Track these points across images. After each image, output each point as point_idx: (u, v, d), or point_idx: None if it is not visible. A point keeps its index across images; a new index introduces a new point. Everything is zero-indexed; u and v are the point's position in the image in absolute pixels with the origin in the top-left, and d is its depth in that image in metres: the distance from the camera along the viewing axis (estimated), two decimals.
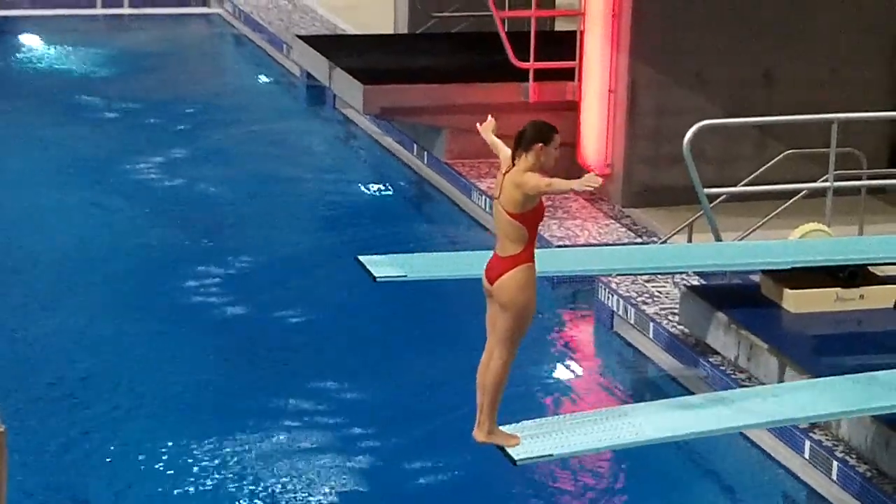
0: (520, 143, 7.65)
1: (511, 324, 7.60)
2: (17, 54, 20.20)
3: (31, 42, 20.78)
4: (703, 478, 9.31)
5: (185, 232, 13.36)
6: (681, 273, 11.14)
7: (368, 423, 9.75)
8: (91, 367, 10.52)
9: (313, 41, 16.65)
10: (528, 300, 7.56)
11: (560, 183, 7.73)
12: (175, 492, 8.87)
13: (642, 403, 8.14)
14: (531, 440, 7.56)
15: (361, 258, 9.42)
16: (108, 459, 9.22)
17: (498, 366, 7.68)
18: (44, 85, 18.37)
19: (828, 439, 8.87)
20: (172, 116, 17.01)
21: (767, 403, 8.02)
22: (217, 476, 9.03)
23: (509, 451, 7.55)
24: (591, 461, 9.36)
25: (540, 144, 7.63)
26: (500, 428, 7.68)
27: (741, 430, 8.56)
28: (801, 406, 7.98)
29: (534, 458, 7.44)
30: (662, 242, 11.90)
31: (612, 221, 12.85)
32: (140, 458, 9.22)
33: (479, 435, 7.75)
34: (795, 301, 9.93)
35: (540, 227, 12.43)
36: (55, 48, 20.35)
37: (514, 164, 7.63)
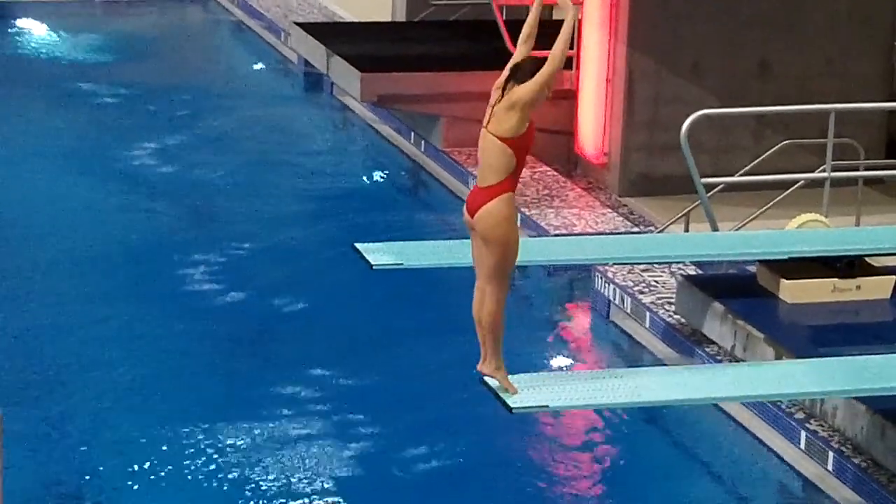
0: (514, 76, 7.55)
1: (496, 259, 7.54)
2: (15, 39, 20.17)
3: (28, 27, 20.74)
4: (698, 467, 9.32)
5: (180, 218, 13.35)
6: (677, 262, 11.14)
7: (363, 410, 9.75)
8: (84, 354, 10.51)
9: (311, 28, 16.62)
10: (510, 232, 7.49)
11: (555, 54, 7.56)
12: (168, 479, 8.87)
13: (642, 368, 8.16)
14: (529, 391, 7.57)
15: (358, 245, 9.41)
16: (100, 447, 9.21)
17: (492, 304, 7.64)
18: (41, 70, 18.34)
19: (823, 430, 8.88)
20: (169, 102, 16.99)
21: (768, 376, 8.03)
22: (210, 464, 9.03)
23: (506, 399, 7.54)
24: (585, 450, 9.37)
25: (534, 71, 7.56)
26: None
27: (740, 401, 8.52)
28: (805, 381, 7.98)
29: (530, 407, 7.47)
30: (659, 232, 11.90)
31: (609, 210, 12.84)
32: (133, 445, 9.21)
33: (485, 368, 7.74)
34: (792, 291, 9.93)
35: (537, 217, 12.47)
36: (52, 33, 20.32)
37: (503, 96, 7.53)
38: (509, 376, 7.78)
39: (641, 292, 10.92)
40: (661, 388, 7.78)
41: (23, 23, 20.88)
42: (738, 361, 9.75)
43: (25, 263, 12.24)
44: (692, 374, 8.20)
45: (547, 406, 7.53)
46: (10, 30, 20.69)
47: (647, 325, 10.65)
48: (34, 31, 20.57)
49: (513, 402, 7.52)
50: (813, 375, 8.13)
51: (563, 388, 7.69)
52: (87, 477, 8.90)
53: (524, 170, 12.53)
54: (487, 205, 7.50)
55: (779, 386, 8.01)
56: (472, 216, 7.58)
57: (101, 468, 8.99)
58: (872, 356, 8.49)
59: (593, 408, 7.81)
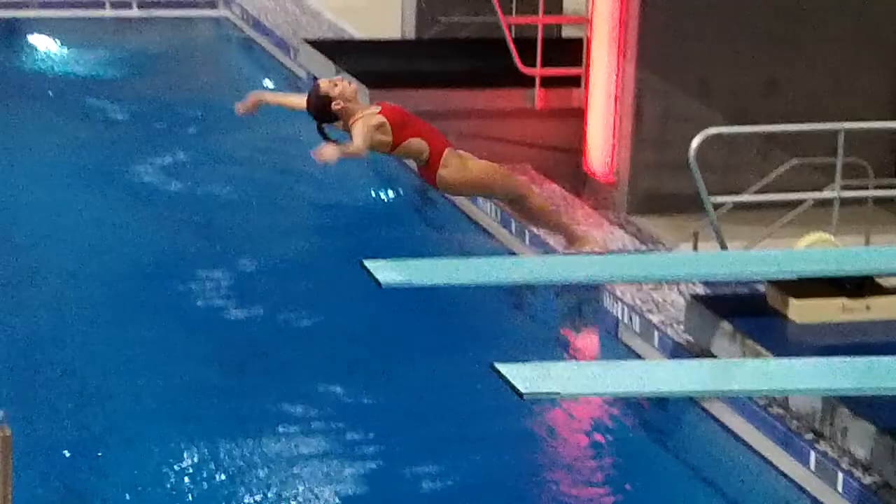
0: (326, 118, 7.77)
1: (488, 187, 7.94)
2: (25, 56, 20.22)
3: (39, 43, 20.80)
4: (705, 488, 9.30)
5: (188, 235, 13.37)
6: (686, 281, 11.12)
7: (371, 427, 9.75)
8: (93, 371, 10.53)
9: (319, 45, 16.66)
10: (467, 172, 7.93)
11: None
12: (173, 496, 8.86)
13: (653, 360, 8.13)
14: (539, 379, 7.51)
15: (366, 263, 9.39)
16: (106, 463, 9.22)
17: (535, 203, 8.03)
18: (51, 86, 18.38)
19: (833, 450, 8.86)
20: (178, 119, 17.02)
21: (782, 370, 7.96)
22: (216, 480, 9.03)
23: (517, 385, 7.43)
24: (592, 469, 9.35)
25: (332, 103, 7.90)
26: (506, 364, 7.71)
27: (751, 395, 8.43)
28: (818, 378, 7.91)
29: (541, 393, 7.40)
30: (668, 250, 11.89)
31: (617, 229, 12.84)
32: (139, 461, 9.22)
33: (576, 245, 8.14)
34: (801, 311, 9.92)
35: (544, 235, 12.46)
36: (63, 50, 20.37)
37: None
38: (519, 364, 7.73)
39: (650, 311, 10.90)
40: (672, 379, 7.73)
41: (34, 38, 20.93)
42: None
43: (33, 275, 12.26)
44: (708, 367, 8.07)
45: (558, 393, 7.49)
46: (21, 45, 20.74)
47: (656, 345, 10.64)
48: (45, 46, 20.63)
49: (524, 387, 7.34)
50: (829, 373, 8.03)
51: (574, 376, 7.65)
52: (91, 491, 8.91)
53: (534, 187, 12.53)
54: (438, 174, 7.91)
55: (798, 380, 7.88)
56: (437, 187, 7.99)
57: (106, 483, 9.00)
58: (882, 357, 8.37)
59: (605, 395, 7.74)
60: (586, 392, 8.23)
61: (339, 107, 7.90)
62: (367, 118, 7.94)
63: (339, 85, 7.96)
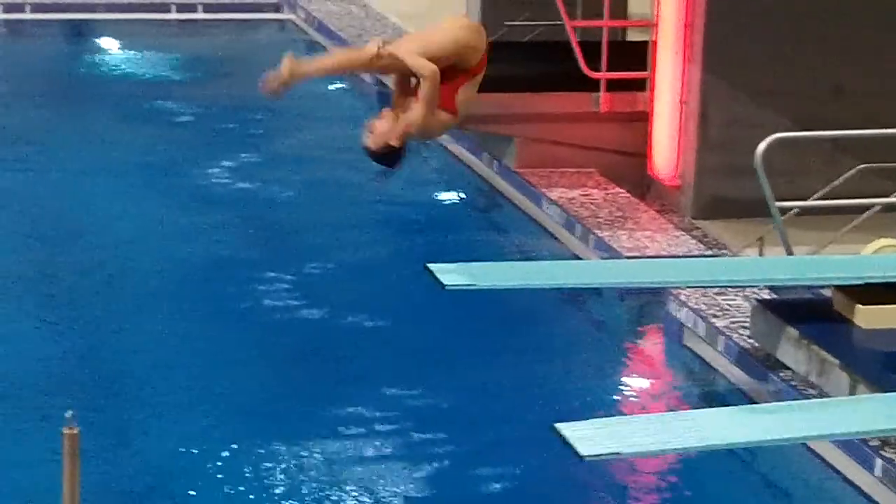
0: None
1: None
2: (93, 58, 20.40)
3: (106, 46, 20.98)
4: (767, 493, 9.26)
5: (252, 236, 13.43)
6: (751, 287, 11.07)
7: (434, 429, 9.76)
8: (157, 371, 10.58)
9: None
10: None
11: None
12: (236, 496, 8.90)
13: (710, 409, 8.08)
14: (599, 438, 7.49)
15: (430, 266, 9.42)
16: (168, 462, 9.27)
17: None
18: (118, 89, 18.52)
19: None
20: (243, 121, 17.10)
21: (839, 415, 7.92)
22: (279, 482, 9.06)
23: (577, 447, 7.43)
24: (654, 473, 9.33)
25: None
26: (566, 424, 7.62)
27: (809, 441, 8.42)
28: (876, 418, 7.87)
29: (601, 455, 7.37)
30: (733, 255, 11.84)
31: (682, 233, 12.79)
32: (201, 462, 9.26)
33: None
34: (867, 317, 9.84)
35: (609, 239, 12.43)
36: (130, 52, 20.53)
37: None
38: (575, 422, 7.67)
39: (715, 316, 10.86)
40: (731, 430, 7.65)
41: (100, 41, 21.12)
42: (812, 388, 9.66)
43: (96, 276, 12.35)
44: (765, 413, 7.95)
45: (619, 453, 7.42)
46: (87, 47, 20.93)
47: (721, 350, 10.59)
48: (111, 48, 20.80)
49: (584, 450, 7.31)
50: (891, 410, 7.99)
51: (632, 433, 7.58)
52: (157, 491, 8.96)
53: (596, 191, 12.71)
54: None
55: (856, 423, 7.83)
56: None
57: (170, 483, 9.05)
58: None
59: (668, 453, 7.62)
60: (649, 451, 7.83)
61: (399, 144, 8.46)
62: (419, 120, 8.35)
63: (378, 126, 8.64)
